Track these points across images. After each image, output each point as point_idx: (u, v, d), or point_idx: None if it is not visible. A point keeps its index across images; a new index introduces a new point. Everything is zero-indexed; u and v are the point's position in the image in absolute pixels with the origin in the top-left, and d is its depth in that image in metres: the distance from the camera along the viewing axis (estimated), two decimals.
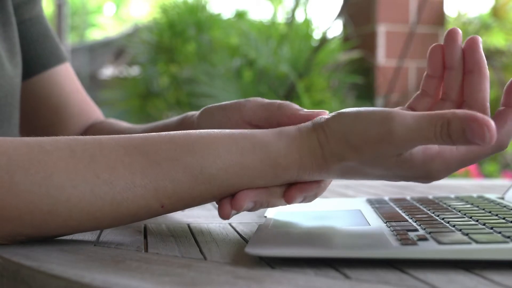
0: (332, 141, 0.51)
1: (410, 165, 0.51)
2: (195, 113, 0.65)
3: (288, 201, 0.54)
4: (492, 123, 0.45)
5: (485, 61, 0.54)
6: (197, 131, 0.53)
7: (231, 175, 0.52)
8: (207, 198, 0.53)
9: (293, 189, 0.54)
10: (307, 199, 0.56)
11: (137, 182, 0.50)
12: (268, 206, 0.55)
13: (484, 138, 0.45)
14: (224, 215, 0.53)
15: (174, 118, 0.70)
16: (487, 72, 0.54)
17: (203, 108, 0.63)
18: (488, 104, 0.54)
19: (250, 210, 0.54)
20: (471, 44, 0.54)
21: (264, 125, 0.59)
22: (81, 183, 0.49)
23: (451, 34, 0.55)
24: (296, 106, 0.58)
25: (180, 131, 0.53)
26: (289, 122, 0.57)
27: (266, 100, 0.60)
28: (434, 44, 0.56)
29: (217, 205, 0.53)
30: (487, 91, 0.54)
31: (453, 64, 0.55)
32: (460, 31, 0.55)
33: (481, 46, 0.54)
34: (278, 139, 0.52)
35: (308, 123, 0.54)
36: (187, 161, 0.51)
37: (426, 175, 0.52)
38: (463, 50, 0.55)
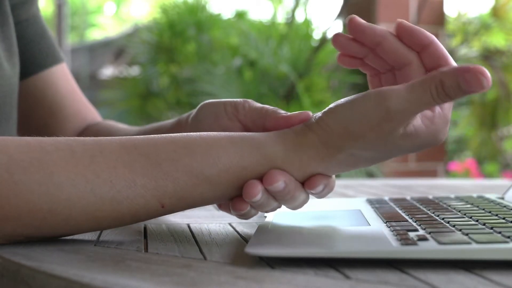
0: (333, 135, 0.51)
1: (416, 135, 0.51)
2: (191, 112, 0.65)
3: (311, 187, 0.53)
4: (484, 69, 0.47)
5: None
6: (198, 133, 0.54)
7: (232, 176, 0.52)
8: (208, 199, 0.53)
9: (316, 176, 0.53)
10: (326, 188, 0.54)
11: (137, 182, 0.50)
12: (291, 196, 0.53)
13: (481, 84, 0.47)
14: (251, 195, 0.52)
15: (169, 120, 0.70)
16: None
17: (203, 102, 0.64)
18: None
19: (278, 193, 0.53)
20: (408, 26, 0.53)
21: (252, 127, 0.59)
22: (81, 182, 0.49)
23: (353, 22, 0.53)
24: (280, 111, 0.58)
25: (181, 133, 0.54)
26: (274, 126, 0.57)
27: (259, 104, 0.60)
28: (335, 34, 0.55)
29: (218, 207, 0.53)
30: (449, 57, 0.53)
31: (373, 42, 0.54)
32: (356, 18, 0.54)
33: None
34: (274, 141, 0.53)
35: (301, 125, 0.54)
36: (187, 162, 0.51)
37: (434, 138, 0.53)
38: (408, 31, 0.53)
